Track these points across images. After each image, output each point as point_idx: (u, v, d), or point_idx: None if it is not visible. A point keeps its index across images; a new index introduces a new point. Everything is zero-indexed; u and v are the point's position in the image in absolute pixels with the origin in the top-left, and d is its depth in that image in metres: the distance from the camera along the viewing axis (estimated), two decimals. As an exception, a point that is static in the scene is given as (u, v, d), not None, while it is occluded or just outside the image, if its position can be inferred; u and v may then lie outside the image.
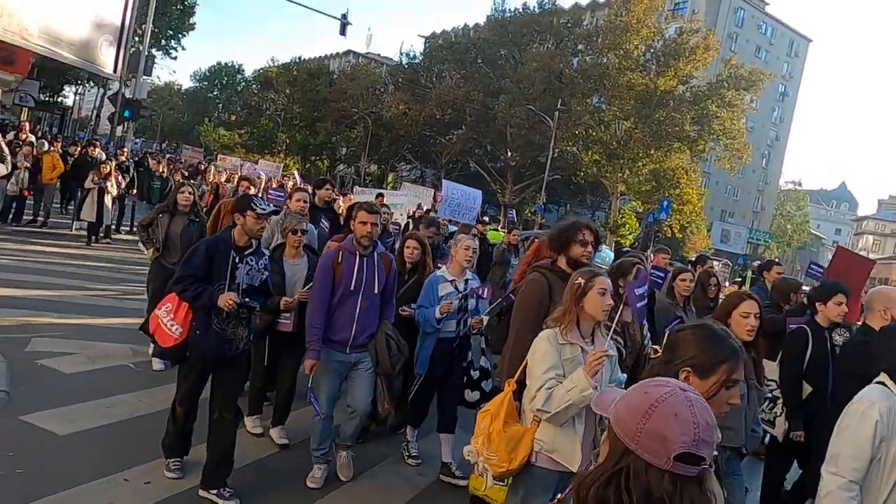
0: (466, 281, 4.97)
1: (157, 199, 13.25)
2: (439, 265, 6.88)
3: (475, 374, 5.02)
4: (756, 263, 20.45)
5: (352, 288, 4.36)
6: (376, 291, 4.47)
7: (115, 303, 8.50)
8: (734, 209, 64.17)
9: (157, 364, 6.00)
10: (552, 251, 3.77)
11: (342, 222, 6.75)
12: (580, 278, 3.04)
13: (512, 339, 3.50)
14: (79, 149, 15.32)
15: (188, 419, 4.18)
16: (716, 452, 1.25)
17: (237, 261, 4.04)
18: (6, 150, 9.95)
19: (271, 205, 4.61)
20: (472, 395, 4.98)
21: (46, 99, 38.44)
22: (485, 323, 4.89)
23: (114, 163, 13.53)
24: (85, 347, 6.32)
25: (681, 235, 40.31)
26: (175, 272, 4.14)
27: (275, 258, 4.85)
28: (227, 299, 3.85)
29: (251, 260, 4.13)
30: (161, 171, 15.47)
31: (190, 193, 6.43)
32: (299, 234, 5.03)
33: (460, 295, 4.87)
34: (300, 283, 4.96)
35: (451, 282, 4.90)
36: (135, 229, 12.71)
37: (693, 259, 11.34)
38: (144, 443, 4.42)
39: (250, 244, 4.15)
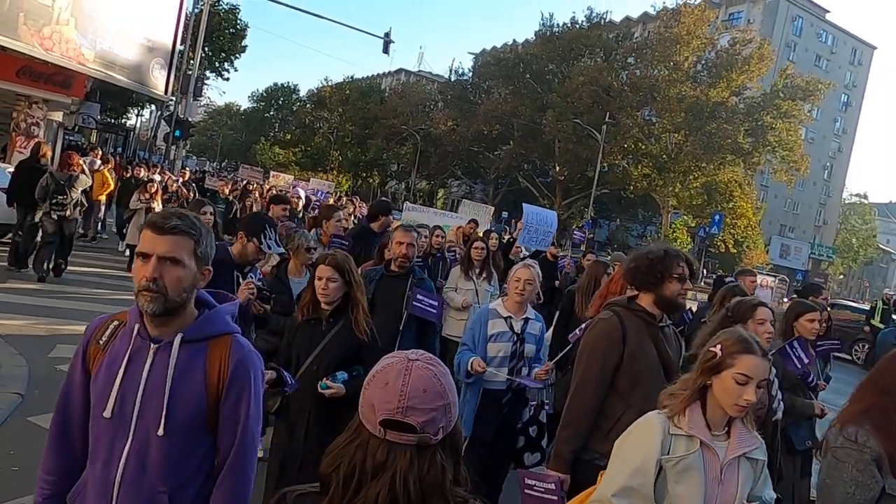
0: (526, 320, 4.04)
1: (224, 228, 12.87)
2: (440, 281, 6.72)
3: (533, 431, 4.02)
4: (888, 292, 18.67)
5: None
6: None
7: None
8: (794, 223, 61.80)
9: None
10: (635, 286, 3.05)
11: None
12: (720, 344, 2.14)
13: (571, 394, 2.91)
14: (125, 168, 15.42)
15: None
16: (442, 423, 1.22)
17: (240, 279, 3.90)
18: (84, 166, 10.68)
19: (282, 248, 4.35)
20: (531, 458, 3.98)
21: (110, 121, 40.42)
22: (552, 375, 4.04)
23: (160, 179, 13.71)
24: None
25: (735, 250, 39.09)
26: None
27: (279, 275, 4.69)
28: (244, 288, 3.71)
29: (252, 275, 4.02)
30: (227, 193, 14.23)
31: (211, 214, 5.85)
32: (311, 251, 4.87)
33: (515, 337, 3.98)
34: None
35: (505, 319, 3.98)
36: None
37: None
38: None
39: (249, 260, 4.09)
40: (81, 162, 10.57)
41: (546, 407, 4.04)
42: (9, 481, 3.97)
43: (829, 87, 38.07)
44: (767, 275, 35.56)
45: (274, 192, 15.55)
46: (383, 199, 7.87)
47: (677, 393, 2.17)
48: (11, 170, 12.49)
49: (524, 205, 9.71)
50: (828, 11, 61.97)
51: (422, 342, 4.37)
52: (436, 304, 4.18)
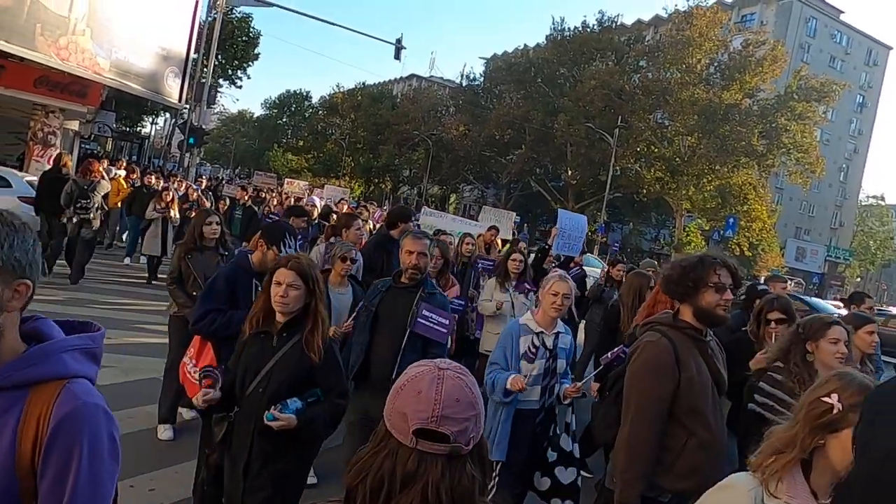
0: (557, 335, 3.85)
1: (237, 232, 12.32)
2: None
3: (552, 456, 3.74)
4: None
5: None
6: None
7: (162, 320, 8.86)
8: (810, 226, 61.23)
9: (166, 432, 5.06)
10: (669, 297, 2.86)
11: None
12: (836, 394, 1.74)
13: (628, 428, 2.65)
14: (136, 177, 14.84)
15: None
16: (472, 432, 1.20)
17: (259, 287, 3.66)
18: (103, 171, 11.21)
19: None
20: (541, 482, 3.73)
21: (126, 129, 40.86)
22: (586, 390, 3.80)
23: (175, 187, 13.69)
24: (121, 361, 6.60)
25: (750, 254, 38.77)
26: (193, 312, 3.84)
27: None
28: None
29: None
30: (245, 200, 13.87)
31: (217, 224, 5.43)
32: (348, 262, 4.72)
33: (548, 354, 3.78)
34: (346, 313, 4.51)
35: (537, 334, 3.80)
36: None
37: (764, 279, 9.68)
38: (155, 452, 4.59)
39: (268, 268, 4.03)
40: (101, 169, 11.01)
41: (566, 437, 3.80)
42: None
43: (845, 89, 37.72)
44: (787, 277, 35.16)
45: (291, 200, 15.29)
46: (403, 205, 7.23)
47: (774, 453, 1.76)
48: (30, 178, 12.70)
49: (559, 210, 9.25)
50: (842, 12, 61.49)
51: None
52: (446, 322, 3.71)
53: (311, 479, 4.30)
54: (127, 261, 12.85)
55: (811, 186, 43.28)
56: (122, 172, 15.48)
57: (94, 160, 11.50)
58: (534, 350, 3.76)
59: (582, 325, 8.32)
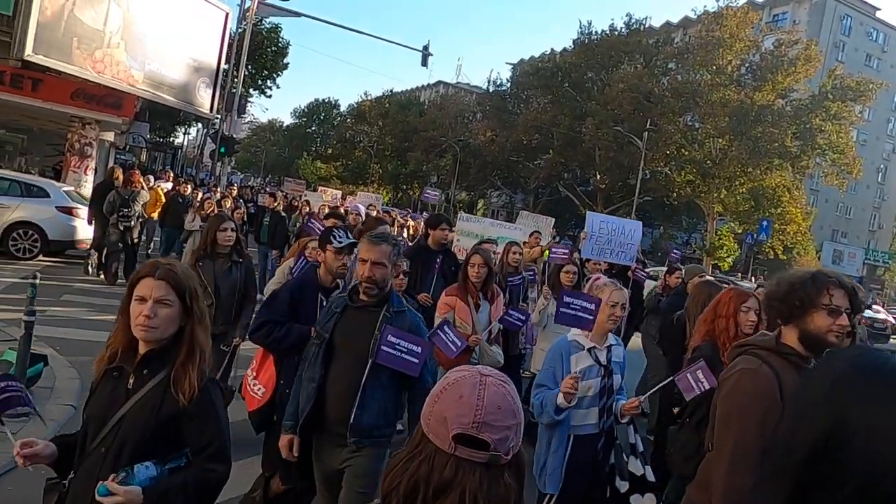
0: (610, 348, 3.51)
1: (266, 239, 12.42)
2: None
3: (623, 486, 3.37)
4: None
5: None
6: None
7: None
8: (847, 228, 59.78)
9: None
10: (770, 317, 2.53)
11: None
12: None
13: (725, 465, 2.29)
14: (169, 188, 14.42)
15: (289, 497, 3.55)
16: (513, 442, 1.17)
17: (324, 301, 3.55)
18: (143, 182, 11.66)
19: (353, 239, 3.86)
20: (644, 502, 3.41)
21: (159, 139, 41.72)
22: (644, 407, 3.40)
23: (216, 197, 13.47)
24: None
25: (785, 257, 37.97)
26: (259, 320, 3.67)
27: None
28: None
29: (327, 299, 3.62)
30: (276, 206, 13.44)
31: (233, 231, 5.12)
32: (401, 276, 4.59)
33: (602, 370, 3.42)
34: None
35: (589, 350, 3.44)
36: None
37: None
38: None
39: (337, 284, 3.75)
40: (142, 179, 11.60)
41: (640, 450, 3.49)
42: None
43: (882, 88, 36.75)
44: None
45: (326, 209, 14.60)
46: (439, 213, 6.71)
47: None
48: (66, 189, 13.03)
49: (587, 213, 8.74)
50: (878, 9, 60.08)
51: (405, 405, 3.20)
52: (418, 349, 2.92)
53: None
54: None
55: (848, 188, 42.20)
56: (169, 185, 15.71)
57: (135, 171, 11.94)
58: (588, 368, 3.38)
59: (635, 338, 8.11)
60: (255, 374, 3.71)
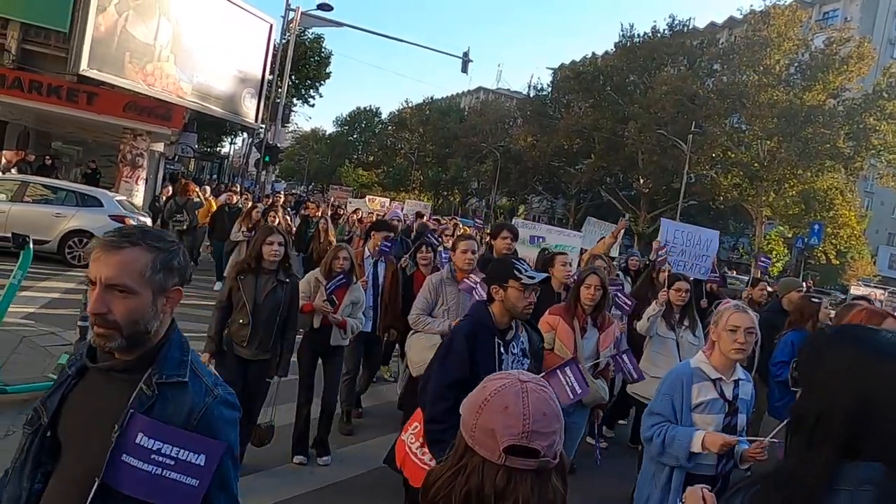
0: (737, 382, 3.07)
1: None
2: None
3: None
4: None
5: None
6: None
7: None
8: (905, 232, 57.51)
9: None
10: None
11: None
12: None
13: None
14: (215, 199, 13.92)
15: None
16: (558, 445, 1.18)
17: (503, 349, 3.03)
18: (198, 191, 12.44)
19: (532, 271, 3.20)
20: None
21: (207, 149, 42.79)
22: (772, 451, 2.88)
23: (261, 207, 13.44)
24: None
25: (838, 262, 36.74)
26: (427, 383, 3.05)
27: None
28: None
29: (515, 346, 3.11)
30: (320, 216, 12.39)
31: (280, 245, 4.55)
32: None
33: (727, 407, 3.02)
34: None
35: (714, 381, 3.02)
36: None
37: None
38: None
39: (510, 325, 3.14)
40: (197, 189, 12.41)
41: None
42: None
43: (941, 85, 35.28)
44: (876, 287, 33.23)
45: (374, 217, 13.58)
46: (504, 221, 5.91)
47: None
48: (119, 198, 13.48)
49: (662, 220, 8.05)
50: (935, 4, 57.71)
51: None
52: (200, 462, 1.49)
53: None
54: (217, 286, 11.23)
55: (905, 190, 40.64)
56: (209, 190, 15.93)
57: (190, 182, 12.55)
58: (711, 402, 2.99)
59: None
60: (419, 442, 3.00)
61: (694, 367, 3.08)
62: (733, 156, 36.67)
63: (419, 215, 15.17)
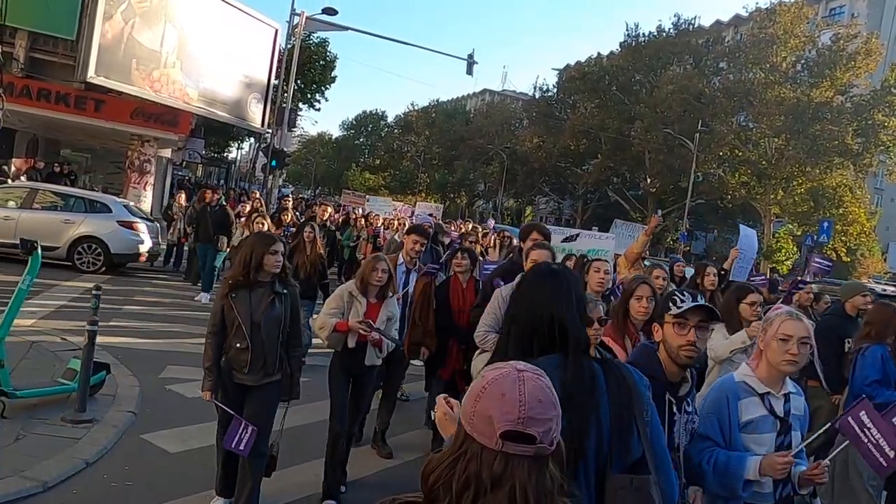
0: (787, 396, 2.74)
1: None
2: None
3: None
4: None
5: None
6: None
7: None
8: (915, 228, 57.06)
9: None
10: None
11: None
12: None
13: None
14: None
15: None
16: (555, 432, 1.21)
17: (675, 407, 2.49)
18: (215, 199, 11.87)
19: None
20: None
21: (214, 155, 42.97)
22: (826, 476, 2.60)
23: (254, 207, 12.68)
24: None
25: (849, 259, 36.47)
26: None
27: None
28: None
29: (689, 403, 2.59)
30: (328, 219, 12.10)
31: (282, 255, 4.03)
32: (595, 325, 3.16)
33: (778, 424, 2.69)
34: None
35: (761, 396, 2.70)
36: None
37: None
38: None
39: (686, 378, 2.57)
40: (214, 197, 11.91)
41: None
42: (124, 495, 4.22)
43: (950, 80, 35.02)
44: (888, 284, 32.93)
45: (396, 223, 13.30)
46: (534, 222, 5.28)
47: None
48: (127, 203, 13.57)
49: (741, 225, 7.52)
50: (943, -2, 57.31)
51: None
52: None
53: None
54: (203, 299, 10.82)
55: (915, 186, 40.43)
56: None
57: (206, 189, 12.41)
58: (760, 420, 2.67)
59: None
60: None
61: (738, 381, 2.73)
62: (741, 154, 36.54)
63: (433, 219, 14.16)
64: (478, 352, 4.50)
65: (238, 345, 3.88)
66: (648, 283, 4.12)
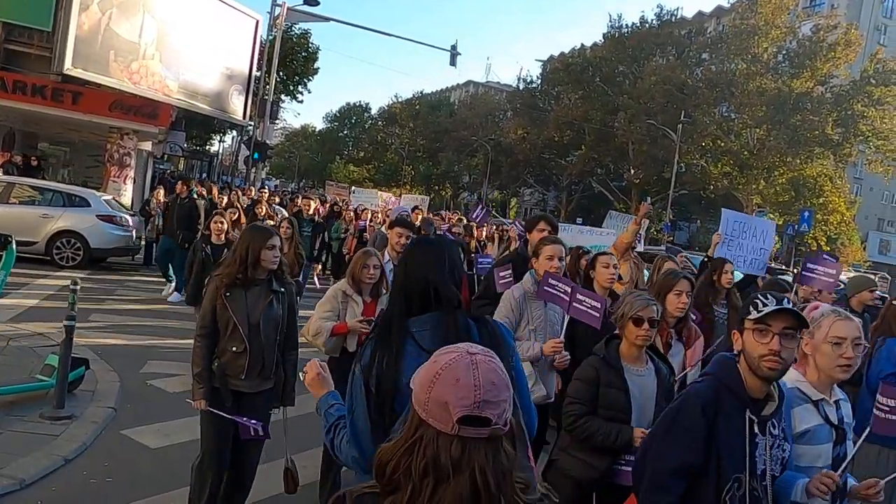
0: (838, 403, 2.52)
1: (310, 255, 10.57)
2: None
3: None
4: None
5: None
6: None
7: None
8: (893, 217, 57.91)
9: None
10: None
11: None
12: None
13: None
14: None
15: None
16: (508, 412, 1.24)
17: (756, 430, 2.14)
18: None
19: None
20: None
21: (196, 147, 42.52)
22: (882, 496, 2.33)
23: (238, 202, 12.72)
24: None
25: (829, 248, 36.94)
26: (646, 475, 2.27)
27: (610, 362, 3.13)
28: None
29: (775, 425, 2.21)
30: (314, 213, 11.79)
31: (279, 249, 3.73)
32: (645, 324, 3.13)
33: (833, 434, 2.45)
34: (650, 402, 3.08)
35: (815, 403, 2.46)
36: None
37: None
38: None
39: (770, 395, 2.23)
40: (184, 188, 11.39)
41: None
42: (104, 492, 4.18)
43: (927, 70, 35.48)
44: (867, 272, 33.37)
45: (380, 215, 13.18)
46: (542, 213, 4.84)
47: None
48: (106, 198, 13.38)
49: (724, 210, 7.17)
50: (921, -11, 58.02)
51: None
52: None
53: None
54: (175, 297, 10.15)
55: (893, 175, 40.88)
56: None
57: (213, 184, 12.04)
58: (815, 430, 2.42)
59: None
60: None
61: (791, 386, 2.42)
62: (723, 144, 36.84)
63: (417, 211, 13.21)
64: None
65: (234, 348, 3.56)
66: (688, 277, 3.97)
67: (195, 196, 11.38)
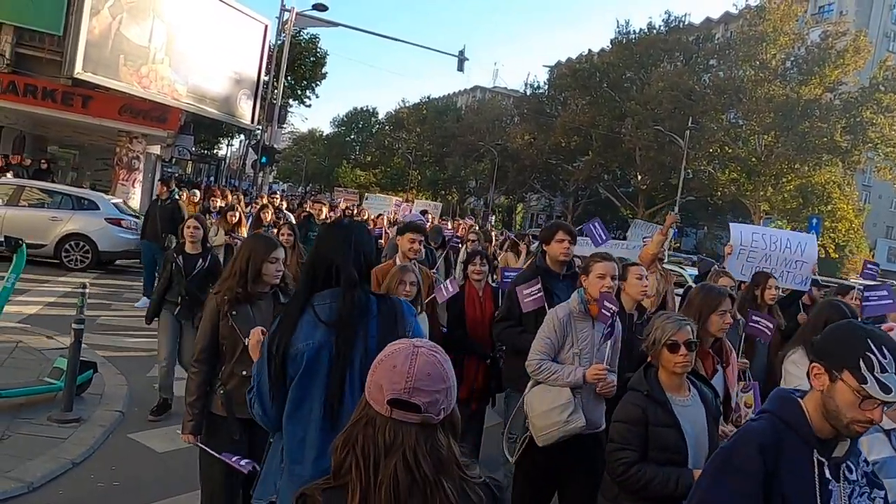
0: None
1: None
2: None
3: None
4: None
5: None
6: None
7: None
8: (903, 225, 57.54)
9: None
10: None
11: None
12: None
13: None
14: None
15: None
16: (444, 404, 1.33)
17: (828, 474, 1.76)
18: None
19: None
20: None
21: (203, 151, 42.73)
22: None
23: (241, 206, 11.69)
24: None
25: (837, 256, 36.76)
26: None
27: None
28: None
29: (853, 469, 1.81)
30: (326, 219, 11.09)
31: (282, 262, 3.39)
32: (682, 349, 2.80)
33: None
34: (703, 436, 2.76)
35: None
36: None
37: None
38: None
39: (837, 434, 1.79)
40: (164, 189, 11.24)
41: None
42: (111, 496, 4.18)
43: (937, 77, 35.28)
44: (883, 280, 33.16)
45: (386, 219, 12.88)
46: (559, 221, 4.50)
47: None
48: (115, 201, 13.46)
49: (731, 224, 7.00)
50: (931, -4, 57.73)
51: None
52: None
53: None
54: (142, 302, 9.58)
55: (902, 183, 40.78)
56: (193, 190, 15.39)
57: (216, 188, 11.87)
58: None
59: None
60: None
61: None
62: (730, 151, 36.73)
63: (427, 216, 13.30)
64: (531, 383, 3.68)
65: (244, 372, 3.07)
66: (731, 294, 3.68)
67: (177, 198, 11.12)
